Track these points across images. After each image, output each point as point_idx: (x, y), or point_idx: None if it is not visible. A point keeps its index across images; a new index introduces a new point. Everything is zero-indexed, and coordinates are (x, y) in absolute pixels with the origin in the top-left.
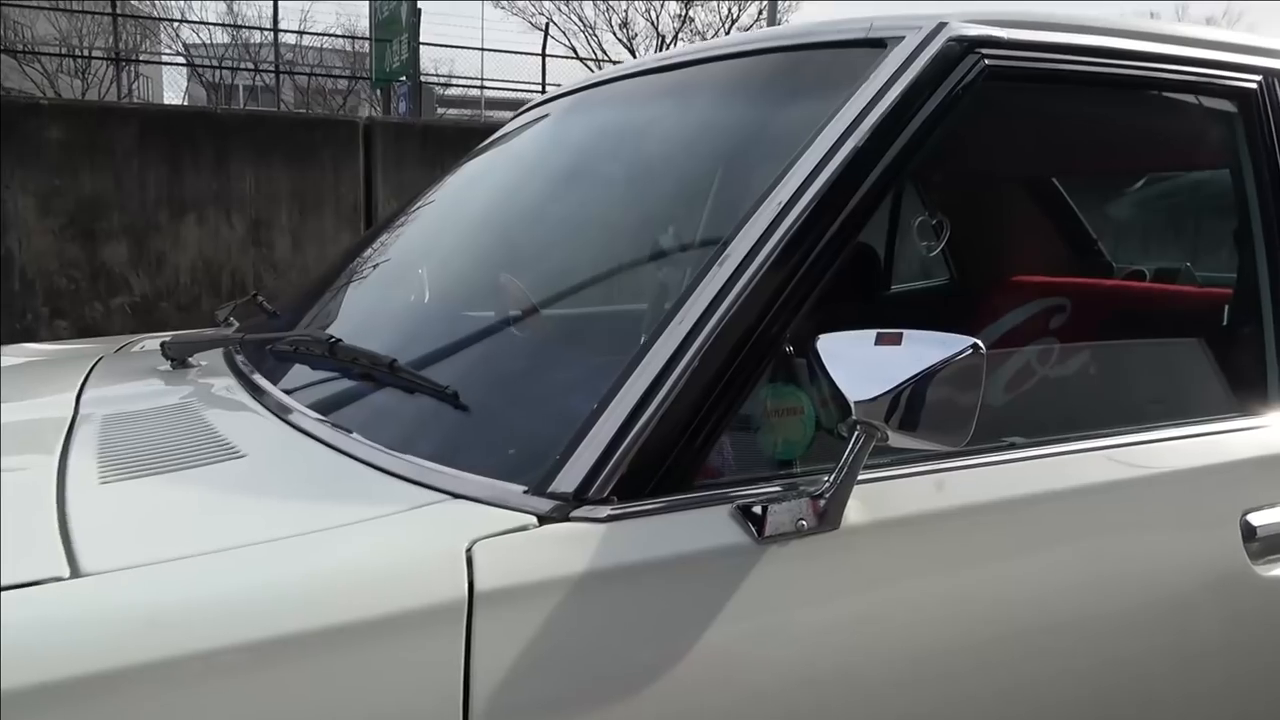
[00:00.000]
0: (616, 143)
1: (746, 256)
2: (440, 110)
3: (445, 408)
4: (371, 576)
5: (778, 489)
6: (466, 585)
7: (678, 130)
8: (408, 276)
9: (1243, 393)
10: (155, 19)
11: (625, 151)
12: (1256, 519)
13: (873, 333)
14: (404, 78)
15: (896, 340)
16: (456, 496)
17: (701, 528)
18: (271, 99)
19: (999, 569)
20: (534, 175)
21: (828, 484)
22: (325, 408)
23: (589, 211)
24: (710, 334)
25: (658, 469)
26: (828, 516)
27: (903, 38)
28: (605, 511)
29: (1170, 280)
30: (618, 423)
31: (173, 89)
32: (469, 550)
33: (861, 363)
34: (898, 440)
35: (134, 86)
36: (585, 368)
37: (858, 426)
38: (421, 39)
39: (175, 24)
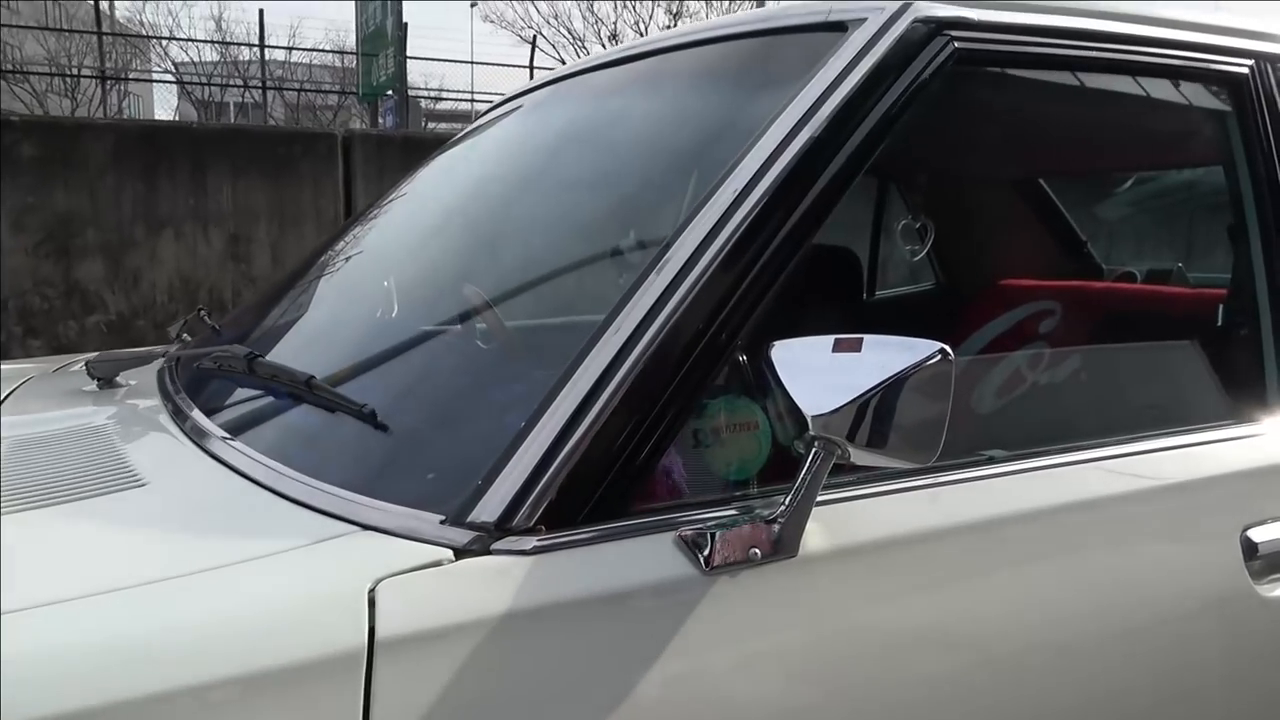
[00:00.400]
0: (569, 143)
1: (691, 258)
2: (431, 124)
3: (363, 428)
4: (258, 623)
5: (730, 513)
6: (367, 631)
7: (634, 127)
8: (352, 287)
9: (1239, 398)
10: (143, 36)
11: (578, 152)
12: (1258, 535)
13: (830, 338)
14: (390, 91)
15: (856, 346)
16: (366, 528)
17: (641, 558)
18: (262, 115)
19: (977, 595)
20: (479, 181)
21: (783, 507)
22: (240, 429)
23: (534, 216)
24: (650, 343)
25: (592, 494)
26: (783, 543)
27: (864, 20)
28: (531, 543)
29: (1162, 282)
30: (546, 443)
31: (164, 107)
32: (372, 590)
33: (819, 372)
34: (860, 457)
35: (124, 105)
36: (522, 383)
37: (815, 442)
38: (409, 53)
39: (164, 42)
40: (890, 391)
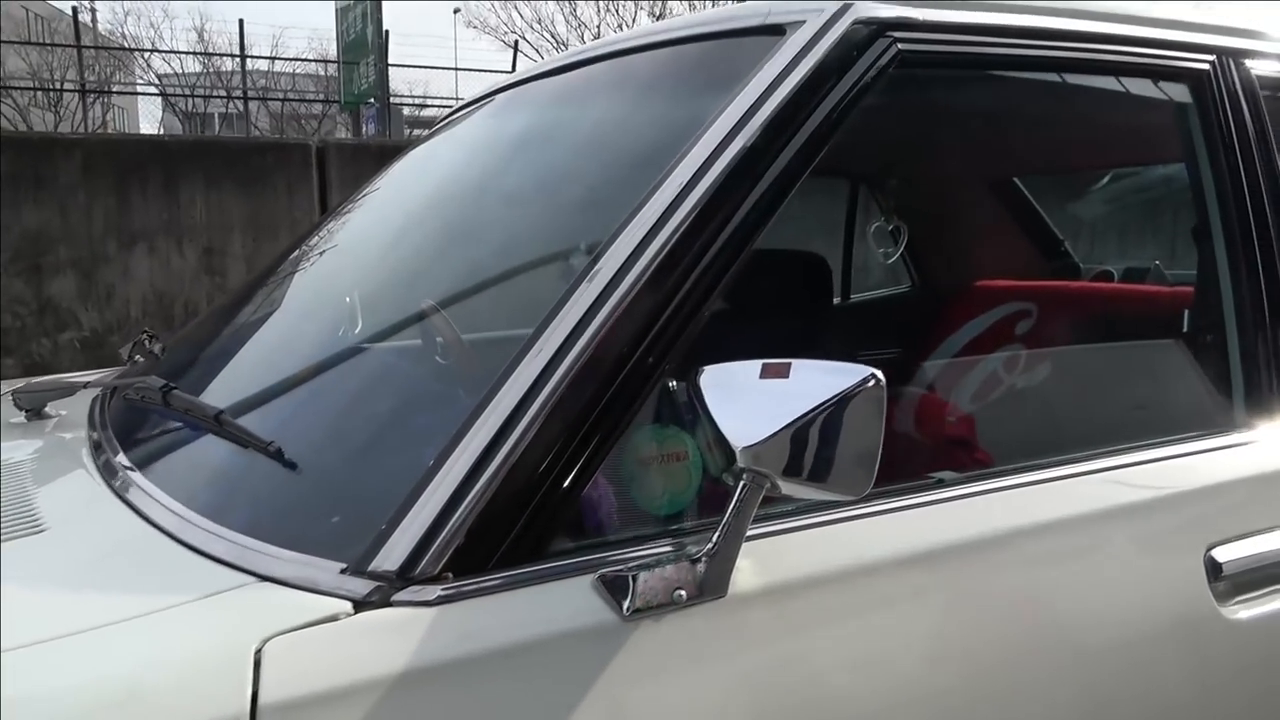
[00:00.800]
0: (510, 154)
1: (616, 275)
2: (417, 132)
3: (273, 467)
4: (128, 692)
5: (656, 552)
6: (249, 696)
7: (574, 136)
8: (293, 308)
9: (1205, 407)
10: (125, 49)
11: (519, 162)
12: (1222, 554)
13: (758, 363)
14: (372, 100)
15: (784, 372)
16: (263, 579)
17: (556, 605)
18: (245, 126)
19: (925, 630)
20: (422, 196)
21: (711, 544)
22: (153, 468)
23: (471, 230)
24: (572, 367)
25: (504, 536)
26: (710, 583)
27: (803, 22)
28: (435, 592)
29: (1139, 280)
30: (456, 481)
31: (148, 119)
32: (259, 650)
33: (747, 399)
34: (790, 490)
35: (108, 118)
36: (449, 411)
37: (744, 475)
38: (392, 61)
39: (146, 54)
40: (819, 419)
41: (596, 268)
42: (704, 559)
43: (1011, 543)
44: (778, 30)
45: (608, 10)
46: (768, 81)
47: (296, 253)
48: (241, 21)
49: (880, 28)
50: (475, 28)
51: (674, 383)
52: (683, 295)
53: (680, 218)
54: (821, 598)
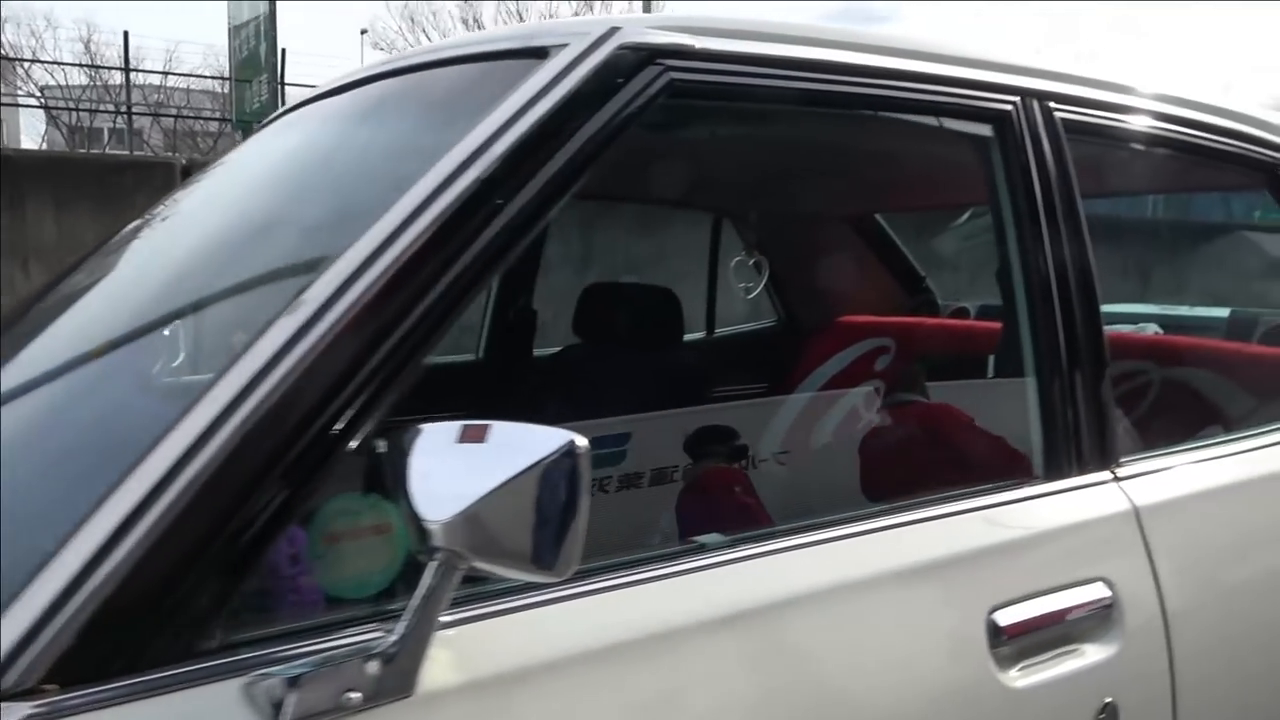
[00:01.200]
0: (266, 181)
1: (313, 317)
2: None
3: None
4: None
5: (334, 646)
6: None
7: (326, 160)
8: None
9: (1002, 456)
10: (1, 58)
11: (269, 189)
12: (1004, 616)
13: (459, 424)
14: (265, 119)
15: (481, 436)
16: None
17: (194, 718)
18: (137, 142)
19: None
20: (175, 223)
21: (395, 636)
22: None
23: (206, 256)
24: (250, 419)
25: (132, 633)
26: (393, 682)
27: (566, 45)
28: (25, 709)
29: (994, 317)
30: (78, 565)
31: (30, 133)
32: None
33: (448, 465)
34: (489, 570)
35: None
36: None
37: (437, 554)
38: (292, 80)
39: (25, 64)
40: (515, 492)
41: (297, 303)
42: (383, 655)
43: (775, 615)
44: (540, 53)
45: None
46: (517, 106)
47: (67, 276)
48: (126, 34)
49: (650, 55)
50: (382, 50)
51: (381, 443)
52: (396, 340)
53: (398, 251)
54: (533, 692)
